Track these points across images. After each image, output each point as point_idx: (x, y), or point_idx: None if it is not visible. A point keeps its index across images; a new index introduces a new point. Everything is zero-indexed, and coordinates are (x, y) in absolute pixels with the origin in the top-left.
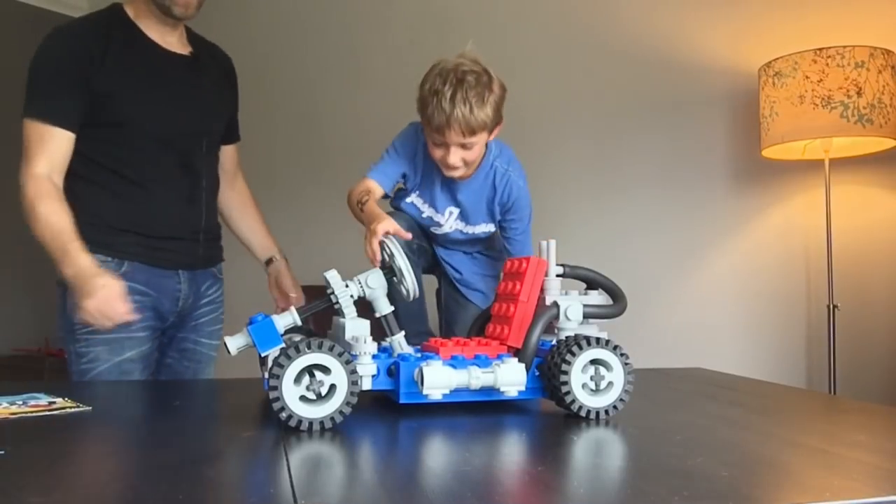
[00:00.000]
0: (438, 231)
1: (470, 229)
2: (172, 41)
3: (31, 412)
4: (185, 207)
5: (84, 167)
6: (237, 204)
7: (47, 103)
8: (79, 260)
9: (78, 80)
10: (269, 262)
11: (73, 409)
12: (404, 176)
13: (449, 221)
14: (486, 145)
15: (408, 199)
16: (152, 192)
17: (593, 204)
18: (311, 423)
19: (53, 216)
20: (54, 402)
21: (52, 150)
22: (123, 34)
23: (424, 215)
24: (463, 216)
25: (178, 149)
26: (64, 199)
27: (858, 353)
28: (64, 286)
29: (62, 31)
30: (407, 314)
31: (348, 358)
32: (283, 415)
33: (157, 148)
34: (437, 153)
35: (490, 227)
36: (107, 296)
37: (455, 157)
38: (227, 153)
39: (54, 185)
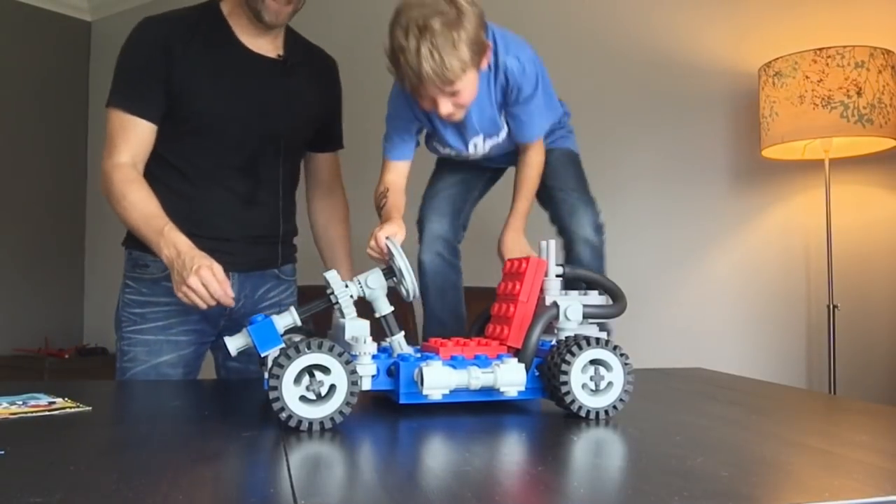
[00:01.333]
0: (479, 158)
1: (504, 137)
2: (263, 43)
3: (31, 412)
4: (242, 210)
5: (153, 162)
6: (323, 219)
7: (130, 93)
8: (178, 240)
9: (160, 73)
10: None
11: (73, 409)
12: (420, 129)
13: (479, 149)
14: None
15: (436, 146)
16: (208, 192)
17: None
18: (310, 424)
19: (144, 202)
20: (54, 402)
21: (133, 139)
22: (211, 31)
23: (455, 156)
24: (489, 135)
25: (244, 151)
26: (148, 188)
27: (858, 353)
28: (124, 279)
29: (151, 22)
30: (443, 299)
31: (348, 358)
32: (283, 415)
33: (221, 149)
34: (427, 106)
35: None
36: (207, 275)
37: (445, 107)
38: (323, 162)
39: (139, 172)
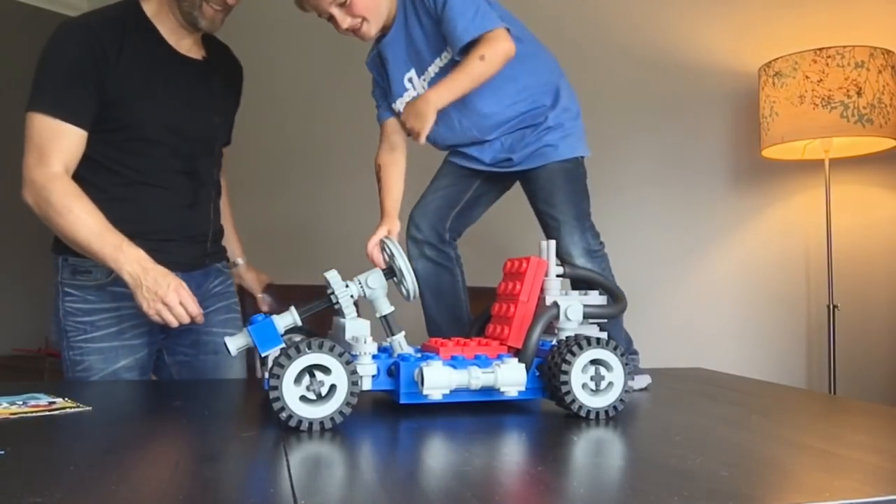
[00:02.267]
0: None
1: (438, 67)
2: (188, 44)
3: (31, 412)
4: (188, 211)
5: (82, 166)
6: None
7: (60, 98)
8: (140, 256)
9: (92, 79)
10: (233, 264)
11: (73, 409)
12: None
13: (417, 86)
14: None
15: (392, 105)
16: (152, 196)
17: (593, 204)
18: (311, 424)
19: (92, 216)
20: (54, 402)
21: (65, 146)
22: (139, 34)
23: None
24: (420, 68)
25: (184, 154)
26: (90, 208)
27: (858, 353)
28: (60, 287)
29: (78, 25)
30: (443, 303)
31: (348, 358)
32: (284, 415)
33: (162, 152)
34: (333, 24)
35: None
36: (185, 293)
37: (343, 22)
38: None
39: (73, 185)
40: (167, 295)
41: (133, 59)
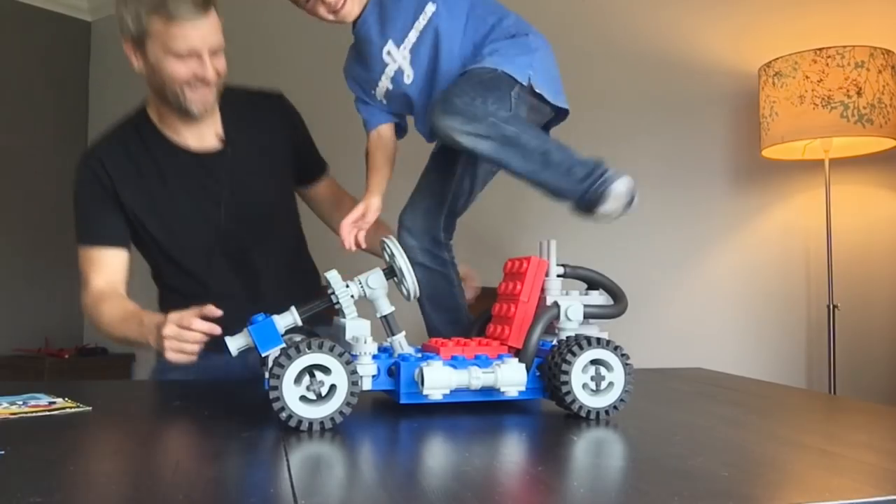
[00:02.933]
0: (407, 81)
1: (416, 35)
2: (201, 131)
3: (31, 412)
4: (252, 307)
5: (165, 274)
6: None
7: (89, 228)
8: (153, 320)
9: (109, 205)
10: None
11: (73, 409)
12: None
13: (398, 59)
14: None
15: (372, 93)
16: (212, 296)
17: None
18: (311, 424)
19: (115, 308)
20: (54, 402)
21: (104, 267)
22: (150, 146)
23: (387, 94)
24: (396, 38)
25: (227, 251)
26: (124, 296)
27: (858, 353)
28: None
29: (85, 157)
30: (439, 303)
31: (348, 358)
32: (284, 415)
33: (196, 256)
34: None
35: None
36: (174, 317)
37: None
38: (321, 190)
39: (111, 288)
40: (164, 328)
41: (138, 174)
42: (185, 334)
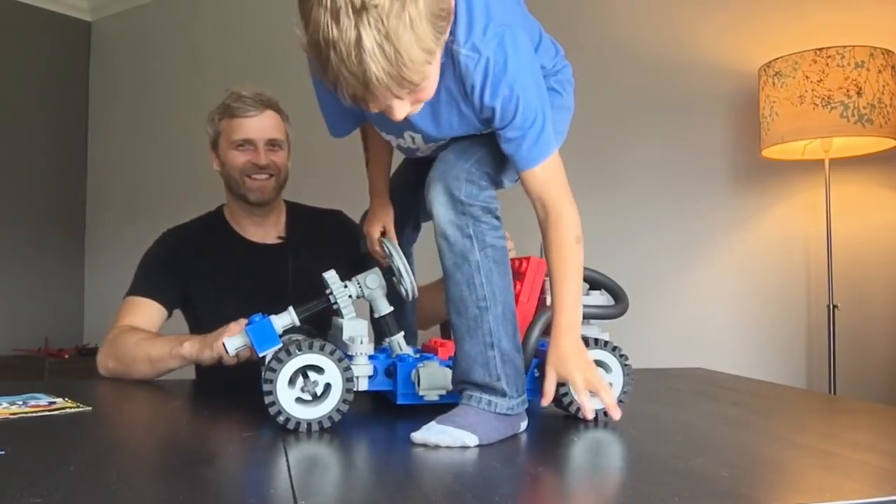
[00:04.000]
0: (420, 155)
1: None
2: (266, 231)
3: (31, 412)
4: None
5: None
6: None
7: (144, 283)
8: (185, 343)
9: (171, 268)
10: None
11: (73, 409)
12: None
13: (416, 144)
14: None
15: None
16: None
17: (593, 204)
18: (308, 424)
19: (141, 338)
20: (54, 402)
21: (141, 315)
22: (220, 234)
23: (394, 143)
24: (427, 138)
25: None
26: (147, 330)
27: (858, 353)
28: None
29: (172, 230)
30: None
31: (341, 356)
32: (281, 418)
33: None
34: (374, 110)
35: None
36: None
37: (401, 110)
38: None
39: (131, 326)
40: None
41: (210, 262)
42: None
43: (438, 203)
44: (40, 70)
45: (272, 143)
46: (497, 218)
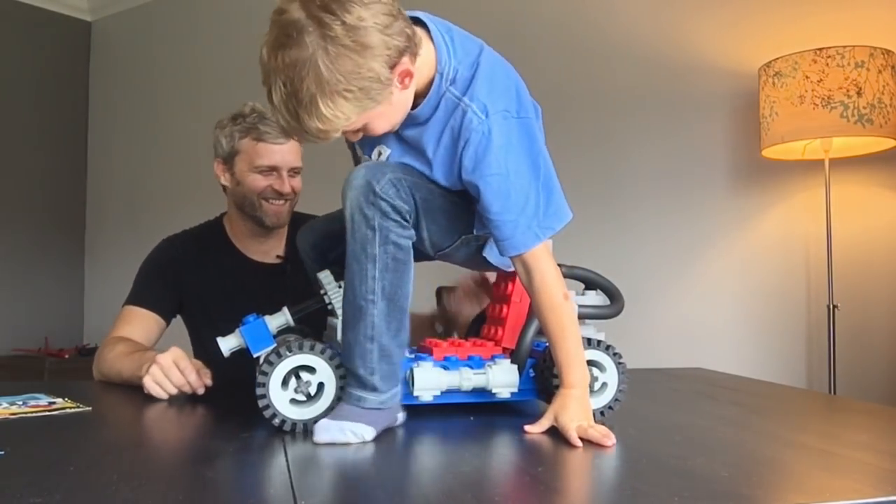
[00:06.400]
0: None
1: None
2: (266, 248)
3: (31, 412)
4: None
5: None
6: None
7: (142, 291)
8: (155, 354)
9: (168, 277)
10: None
11: (73, 409)
12: None
13: (378, 158)
14: (436, 56)
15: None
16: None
17: (592, 204)
18: (305, 425)
19: (119, 352)
20: (54, 402)
21: (137, 325)
22: (216, 249)
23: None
24: (399, 156)
25: None
26: (134, 342)
27: (858, 353)
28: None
29: (170, 238)
30: None
31: (332, 354)
32: (276, 421)
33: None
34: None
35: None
36: (179, 359)
37: (353, 137)
38: None
39: (120, 337)
40: (162, 357)
41: (206, 270)
42: (173, 372)
43: (353, 186)
44: (40, 70)
45: (294, 171)
46: (407, 221)
